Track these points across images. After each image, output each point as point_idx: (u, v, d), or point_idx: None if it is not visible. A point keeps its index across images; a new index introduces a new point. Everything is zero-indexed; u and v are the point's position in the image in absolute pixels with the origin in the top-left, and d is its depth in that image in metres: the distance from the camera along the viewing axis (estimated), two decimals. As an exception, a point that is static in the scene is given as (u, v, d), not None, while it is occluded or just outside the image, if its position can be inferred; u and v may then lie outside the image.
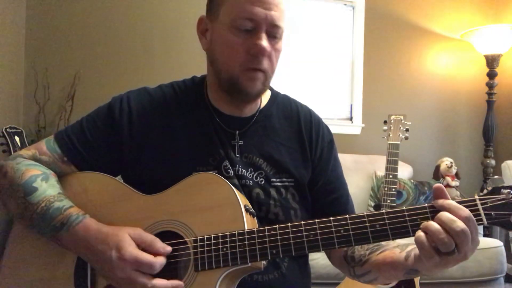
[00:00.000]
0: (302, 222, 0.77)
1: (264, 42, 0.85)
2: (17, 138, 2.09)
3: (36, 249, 0.87)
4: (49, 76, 2.78)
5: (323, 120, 1.07)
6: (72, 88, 2.79)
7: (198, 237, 0.79)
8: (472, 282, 2.22)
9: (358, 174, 2.83)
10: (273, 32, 0.86)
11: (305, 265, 1.00)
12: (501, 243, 2.30)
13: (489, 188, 0.72)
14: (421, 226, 0.69)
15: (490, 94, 3.12)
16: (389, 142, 1.99)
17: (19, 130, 2.14)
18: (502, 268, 2.25)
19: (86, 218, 0.82)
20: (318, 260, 2.14)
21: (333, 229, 0.75)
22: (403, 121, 2.01)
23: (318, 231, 0.76)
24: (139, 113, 0.94)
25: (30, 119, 2.78)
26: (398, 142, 1.97)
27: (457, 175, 2.82)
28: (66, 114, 2.76)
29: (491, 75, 3.10)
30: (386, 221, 0.73)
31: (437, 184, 0.73)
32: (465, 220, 0.66)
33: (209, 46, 0.92)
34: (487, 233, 2.82)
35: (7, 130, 2.06)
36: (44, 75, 2.77)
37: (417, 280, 1.82)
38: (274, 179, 0.94)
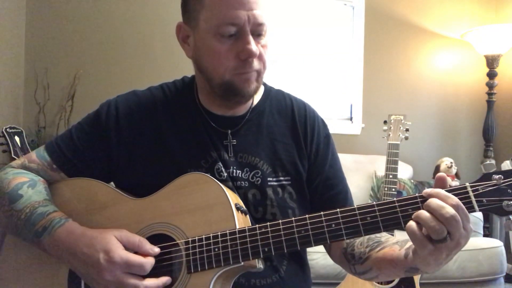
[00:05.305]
0: (293, 219, 0.76)
1: (252, 46, 0.82)
2: (17, 138, 2.09)
3: (30, 257, 0.86)
4: (49, 76, 2.78)
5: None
6: (72, 88, 2.80)
7: (190, 239, 0.78)
8: (472, 282, 2.22)
9: (358, 174, 2.83)
10: (258, 31, 0.84)
11: (304, 267, 0.99)
12: (501, 243, 2.29)
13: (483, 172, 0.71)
14: (412, 216, 0.68)
15: (490, 94, 3.12)
16: (389, 142, 1.99)
17: (19, 130, 2.14)
18: (502, 268, 2.25)
19: (69, 221, 0.81)
20: (318, 260, 2.14)
21: (324, 224, 0.74)
22: (403, 121, 2.01)
23: (309, 226, 0.75)
24: (126, 116, 0.93)
25: (30, 119, 2.79)
26: (398, 142, 1.97)
27: (457, 175, 2.82)
28: (66, 114, 2.77)
29: (491, 75, 3.09)
30: (377, 213, 0.72)
31: (440, 174, 0.72)
32: (453, 207, 0.66)
33: (194, 53, 0.90)
34: (487, 233, 2.81)
35: (7, 130, 2.06)
36: (44, 75, 2.77)
37: (417, 280, 1.82)
38: (271, 179, 0.92)
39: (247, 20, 0.81)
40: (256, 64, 0.85)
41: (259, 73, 0.88)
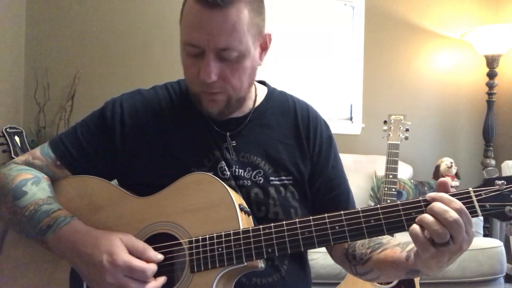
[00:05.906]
0: (297, 220, 0.76)
1: (207, 70, 0.81)
2: (17, 138, 2.09)
3: (31, 255, 0.86)
4: (49, 76, 2.78)
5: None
6: (72, 88, 2.80)
7: (193, 238, 0.79)
8: (472, 282, 2.22)
9: (358, 174, 2.83)
10: (224, 55, 0.81)
11: (305, 267, 1.00)
12: (501, 243, 2.29)
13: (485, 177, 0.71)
14: (416, 220, 0.69)
15: (490, 94, 3.12)
16: (389, 142, 1.99)
17: (19, 130, 2.14)
18: (502, 268, 2.25)
19: (74, 220, 0.81)
20: (318, 260, 2.14)
21: (328, 226, 0.75)
22: (403, 121, 2.01)
23: (313, 228, 0.75)
24: (131, 115, 0.93)
25: (30, 119, 2.78)
26: (398, 142, 1.97)
27: (457, 175, 2.82)
28: (66, 114, 2.76)
29: (491, 75, 3.09)
30: (381, 216, 0.72)
31: (442, 179, 0.72)
32: (457, 211, 0.66)
33: None
34: (487, 233, 2.82)
35: (7, 130, 2.07)
36: (44, 75, 2.77)
37: (417, 280, 1.82)
38: (273, 178, 0.93)
39: (207, 45, 0.80)
40: (219, 86, 0.84)
41: (229, 95, 0.86)
